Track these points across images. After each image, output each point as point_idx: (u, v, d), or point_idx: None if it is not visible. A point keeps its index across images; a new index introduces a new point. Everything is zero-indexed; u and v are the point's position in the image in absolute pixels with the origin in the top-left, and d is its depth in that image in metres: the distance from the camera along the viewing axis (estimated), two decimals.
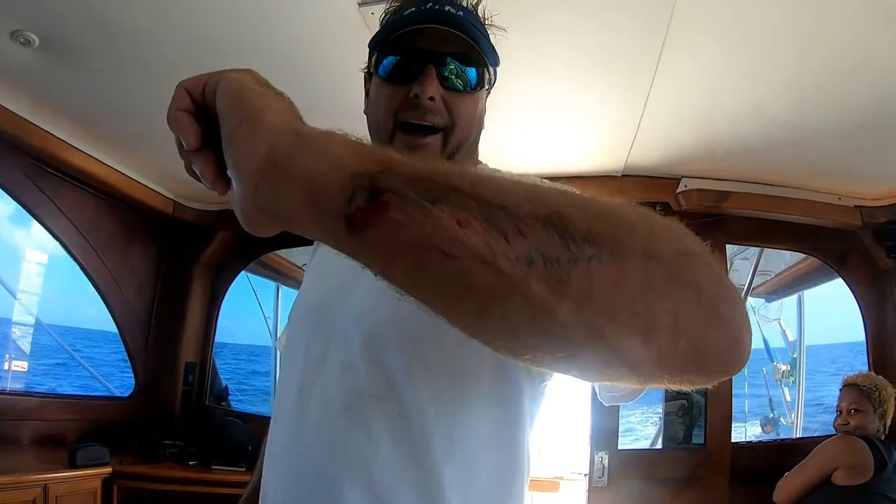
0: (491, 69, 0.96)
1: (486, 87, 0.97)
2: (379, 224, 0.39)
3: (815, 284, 4.70)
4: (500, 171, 0.70)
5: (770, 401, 5.79)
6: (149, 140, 3.43)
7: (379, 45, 0.94)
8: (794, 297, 5.34)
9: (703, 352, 0.43)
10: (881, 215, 3.33)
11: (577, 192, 0.44)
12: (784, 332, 5.58)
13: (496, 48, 0.97)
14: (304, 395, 0.88)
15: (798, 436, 5.07)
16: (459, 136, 0.93)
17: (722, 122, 2.77)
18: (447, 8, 0.90)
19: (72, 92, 2.94)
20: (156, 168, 3.86)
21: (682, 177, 3.38)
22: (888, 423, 2.76)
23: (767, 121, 2.70)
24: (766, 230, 3.59)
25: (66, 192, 3.78)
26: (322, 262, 1.03)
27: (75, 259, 3.96)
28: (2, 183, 3.43)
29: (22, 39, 2.45)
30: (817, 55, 2.18)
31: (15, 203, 3.59)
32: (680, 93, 2.56)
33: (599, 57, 2.33)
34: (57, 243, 3.89)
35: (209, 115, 0.49)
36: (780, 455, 2.95)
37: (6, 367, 4.73)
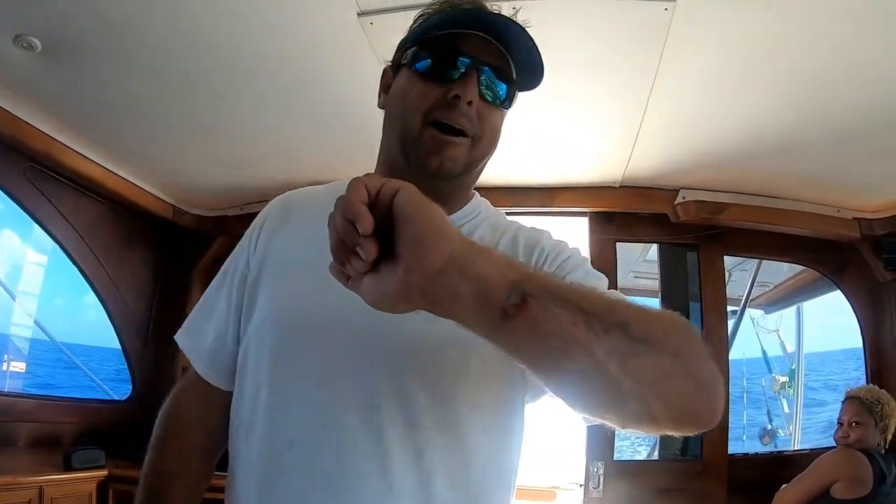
0: (517, 94, 0.97)
1: (511, 106, 0.97)
2: (524, 317, 0.58)
3: (814, 296, 4.74)
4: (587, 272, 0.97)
5: (769, 412, 5.80)
6: (150, 144, 3.44)
7: (420, 40, 0.93)
8: (793, 308, 5.35)
9: (695, 416, 0.67)
10: (879, 227, 3.34)
11: (637, 304, 0.68)
12: (783, 344, 5.59)
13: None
14: (336, 426, 0.86)
15: (796, 448, 5.07)
16: (483, 148, 0.94)
17: (718, 134, 2.79)
18: (499, 20, 0.90)
19: (73, 96, 2.94)
20: (156, 173, 3.86)
21: (680, 188, 3.39)
22: (889, 437, 2.75)
23: (762, 132, 2.71)
24: (764, 242, 3.60)
25: (66, 195, 3.78)
26: (289, 270, 0.99)
27: (75, 262, 3.95)
28: (3, 185, 3.43)
29: (25, 44, 2.44)
30: (808, 68, 2.21)
31: (15, 205, 3.58)
32: (676, 106, 2.57)
33: (595, 72, 2.36)
34: (57, 246, 3.91)
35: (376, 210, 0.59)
36: (777, 467, 2.95)
37: (4, 368, 4.74)
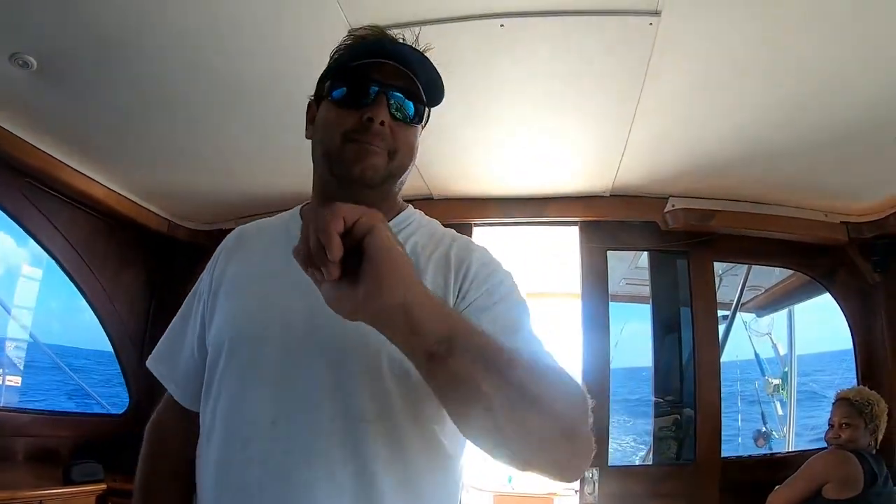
0: (428, 110, 1.09)
1: (422, 122, 1.08)
2: (444, 364, 0.72)
3: (805, 299, 4.75)
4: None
5: (762, 415, 5.82)
6: (144, 160, 3.49)
7: (335, 72, 1.04)
8: (785, 311, 5.39)
9: (561, 471, 0.84)
10: (867, 230, 3.41)
11: (542, 365, 0.84)
12: (775, 346, 5.60)
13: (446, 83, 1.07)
14: (284, 421, 0.93)
15: (790, 450, 5.09)
16: (400, 161, 1.04)
17: (704, 143, 2.86)
18: (398, 49, 1.02)
19: (69, 113, 2.98)
20: (151, 188, 3.90)
21: (670, 196, 3.45)
22: (880, 437, 2.80)
23: (746, 142, 2.79)
24: (754, 247, 3.66)
25: (62, 211, 3.82)
26: (241, 288, 1.09)
27: (71, 277, 3.98)
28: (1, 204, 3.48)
29: (21, 62, 2.49)
30: (786, 82, 2.30)
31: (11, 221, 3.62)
32: (663, 117, 2.64)
33: (581, 85, 2.43)
34: (52, 260, 3.93)
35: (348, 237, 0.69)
36: (770, 469, 2.99)
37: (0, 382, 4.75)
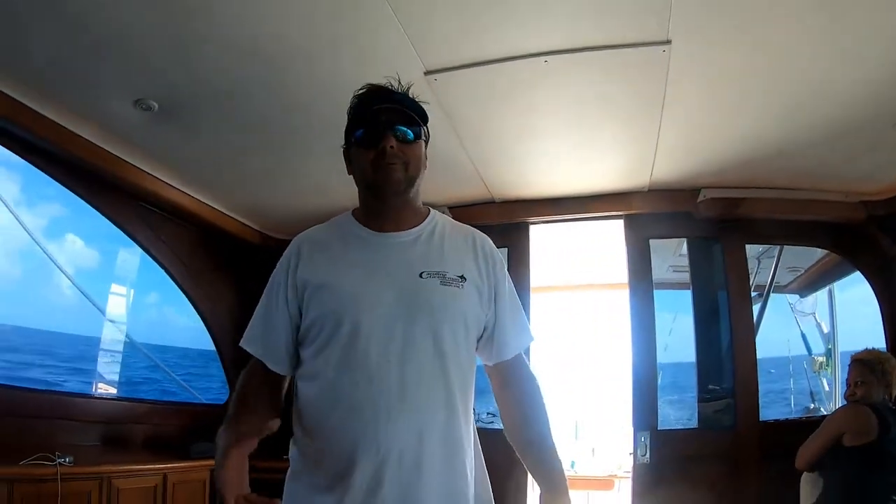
0: (424, 128, 1.48)
1: (424, 139, 1.49)
2: None
3: (841, 277, 4.89)
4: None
5: (811, 392, 5.91)
6: (243, 183, 3.95)
7: (353, 123, 1.47)
8: (826, 290, 5.49)
9: None
10: (883, 208, 3.65)
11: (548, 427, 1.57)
12: (819, 325, 5.66)
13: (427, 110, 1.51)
14: (396, 360, 1.35)
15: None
16: (413, 168, 1.45)
17: (726, 143, 3.17)
18: (391, 97, 1.45)
19: (181, 146, 3.38)
20: (247, 204, 4.35)
21: (702, 188, 3.76)
22: (894, 392, 3.00)
23: (764, 138, 3.07)
24: (781, 229, 3.93)
25: (168, 227, 4.29)
26: (326, 283, 1.46)
27: (178, 284, 4.48)
28: (116, 220, 3.98)
29: (144, 106, 2.85)
30: (787, 84, 2.59)
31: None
32: (685, 124, 2.97)
33: (610, 103, 2.80)
34: (140, 270, 4.44)
35: None
36: (807, 431, 3.08)
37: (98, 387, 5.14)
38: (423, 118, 1.48)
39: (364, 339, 1.35)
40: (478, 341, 1.51)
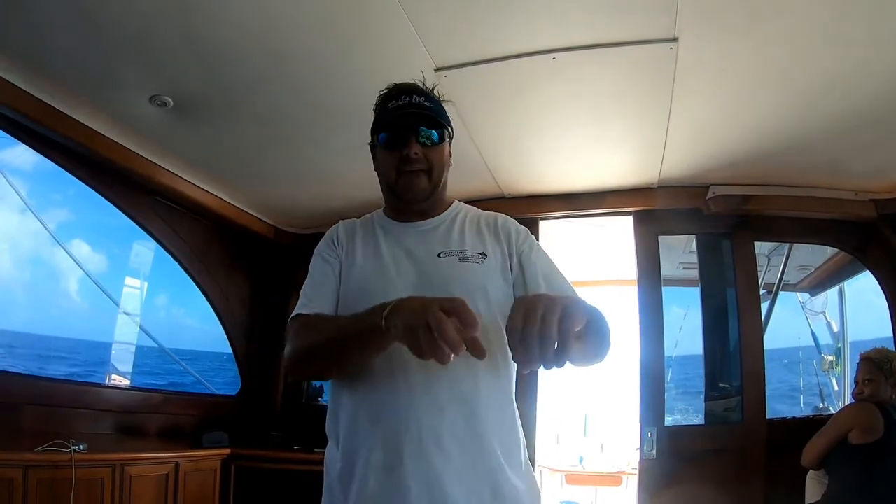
0: (448, 128, 1.49)
1: (447, 139, 1.50)
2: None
3: (852, 275, 4.83)
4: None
5: (820, 391, 5.87)
6: (257, 177, 4.00)
7: (376, 128, 1.48)
8: (836, 289, 5.43)
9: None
10: (893, 206, 3.63)
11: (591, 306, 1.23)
12: (829, 325, 5.59)
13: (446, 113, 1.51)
14: None
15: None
16: (437, 174, 1.47)
17: (734, 139, 3.18)
18: (414, 98, 1.44)
19: (196, 141, 3.45)
20: (260, 199, 4.42)
21: (710, 184, 3.77)
22: None
23: (772, 135, 3.09)
24: (790, 226, 3.93)
25: (184, 221, 4.39)
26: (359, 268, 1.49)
27: (192, 277, 4.55)
28: (133, 216, 4.06)
29: (159, 102, 2.92)
30: (797, 80, 2.60)
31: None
32: (693, 120, 2.99)
33: (618, 99, 2.83)
34: (154, 264, 4.53)
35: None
36: (813, 428, 3.12)
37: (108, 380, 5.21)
38: (446, 119, 1.49)
39: None
40: None
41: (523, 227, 1.57)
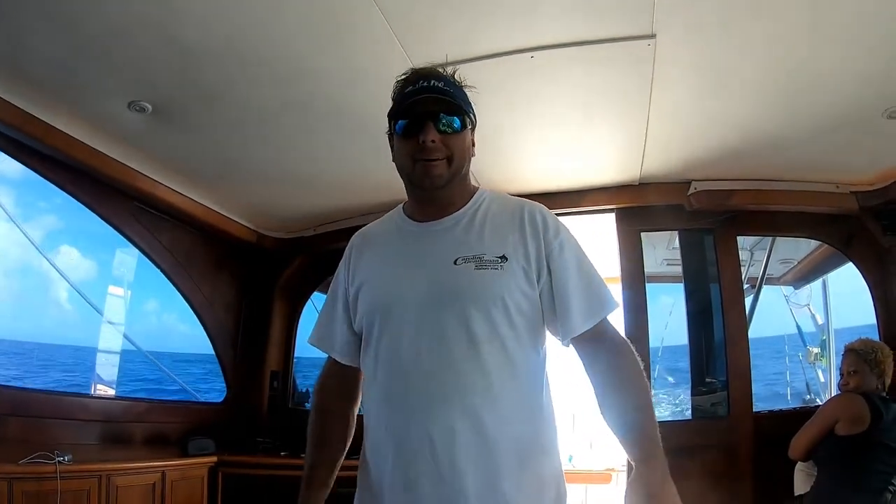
0: (470, 115, 1.41)
1: (469, 126, 1.41)
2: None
3: (835, 268, 4.83)
4: None
5: (807, 383, 5.91)
6: (237, 183, 3.99)
7: (393, 115, 1.39)
8: (819, 282, 5.47)
9: None
10: (875, 198, 3.64)
11: (644, 387, 1.33)
12: (813, 317, 5.67)
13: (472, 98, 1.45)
14: (426, 352, 1.29)
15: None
16: (457, 162, 1.38)
17: (714, 136, 3.20)
18: (433, 83, 1.35)
19: (175, 146, 3.43)
20: (242, 205, 4.39)
21: (692, 180, 3.78)
22: (887, 381, 2.99)
23: (751, 131, 3.11)
24: (774, 221, 3.95)
25: (165, 228, 4.35)
26: (374, 276, 1.45)
27: (175, 285, 4.52)
28: (113, 223, 4.02)
29: (138, 108, 2.91)
30: (766, 84, 2.64)
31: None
32: (673, 116, 3.00)
33: (598, 96, 2.83)
34: (137, 276, 4.53)
35: None
36: (800, 421, 3.09)
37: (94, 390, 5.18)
38: (467, 105, 1.41)
39: (398, 333, 1.33)
40: (544, 321, 1.39)
41: (552, 217, 1.44)
